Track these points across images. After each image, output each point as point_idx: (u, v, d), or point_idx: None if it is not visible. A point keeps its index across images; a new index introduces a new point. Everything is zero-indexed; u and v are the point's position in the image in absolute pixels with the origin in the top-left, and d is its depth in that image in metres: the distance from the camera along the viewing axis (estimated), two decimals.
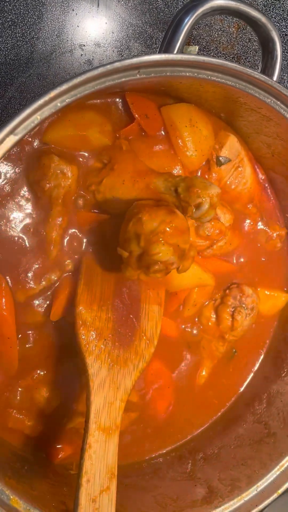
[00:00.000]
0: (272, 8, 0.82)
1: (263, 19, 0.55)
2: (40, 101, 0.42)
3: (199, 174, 0.68)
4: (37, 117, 0.44)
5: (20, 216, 0.57)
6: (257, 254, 0.76)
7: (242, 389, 0.78)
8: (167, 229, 0.52)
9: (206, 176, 0.69)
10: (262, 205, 0.76)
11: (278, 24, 0.83)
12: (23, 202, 0.57)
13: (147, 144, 0.63)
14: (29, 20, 0.71)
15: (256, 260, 0.76)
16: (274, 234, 0.76)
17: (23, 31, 0.71)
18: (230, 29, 0.81)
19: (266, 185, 0.76)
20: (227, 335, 0.72)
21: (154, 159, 0.63)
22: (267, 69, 0.57)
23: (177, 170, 0.64)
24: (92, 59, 0.75)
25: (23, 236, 0.58)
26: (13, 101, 0.72)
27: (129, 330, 0.61)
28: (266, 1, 0.82)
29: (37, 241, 0.58)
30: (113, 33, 0.76)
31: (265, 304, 0.76)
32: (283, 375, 0.76)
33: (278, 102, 0.56)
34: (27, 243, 0.58)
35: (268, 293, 0.76)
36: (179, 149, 0.64)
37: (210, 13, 0.54)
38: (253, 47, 0.82)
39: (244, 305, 0.71)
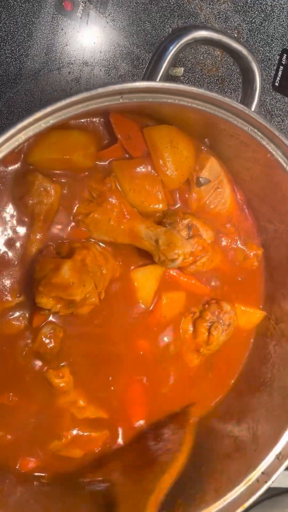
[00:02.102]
0: (257, 33, 0.85)
1: (244, 51, 0.57)
2: (25, 122, 0.44)
3: (177, 196, 0.71)
4: (21, 137, 0.45)
5: (3, 229, 0.59)
6: (234, 271, 0.78)
7: (214, 403, 0.80)
8: (48, 283, 0.56)
9: (186, 196, 0.71)
10: (240, 225, 0.78)
11: (262, 49, 0.86)
12: (7, 217, 0.59)
13: (130, 166, 0.65)
14: (19, 37, 0.72)
15: (234, 277, 0.78)
16: (251, 253, 0.78)
17: (13, 48, 0.72)
18: (215, 52, 0.84)
19: (244, 206, 0.78)
20: (202, 348, 0.74)
21: (136, 180, 0.65)
22: (247, 98, 0.60)
23: (159, 206, 0.66)
24: (80, 77, 0.77)
25: (6, 250, 0.59)
26: (0, 115, 0.73)
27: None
28: (251, 26, 0.85)
29: (19, 254, 0.59)
30: (100, 52, 0.77)
31: (241, 319, 0.78)
32: (255, 391, 0.77)
33: (255, 130, 0.58)
34: (9, 256, 0.59)
35: (243, 308, 0.78)
36: (159, 169, 0.66)
37: (193, 43, 0.56)
38: (237, 70, 0.84)
39: (221, 321, 0.74)
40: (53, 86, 0.76)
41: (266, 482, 0.65)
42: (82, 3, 0.75)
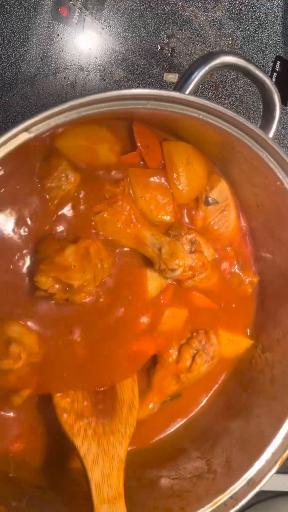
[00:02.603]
0: (251, 41, 0.87)
1: (268, 82, 0.61)
2: (58, 108, 0.46)
3: (185, 213, 0.73)
4: (52, 122, 0.47)
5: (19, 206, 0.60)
6: (229, 294, 0.79)
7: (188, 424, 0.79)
8: (51, 262, 0.57)
9: (193, 213, 0.73)
10: (240, 250, 0.80)
11: (256, 56, 0.88)
12: (24, 194, 0.60)
13: (145, 175, 0.67)
14: (15, 42, 0.74)
15: (228, 300, 0.79)
16: (247, 280, 0.80)
17: (9, 53, 0.74)
18: None
19: (247, 233, 0.80)
20: (182, 375, 0.74)
21: (148, 189, 0.67)
22: (265, 126, 0.63)
23: (167, 217, 0.68)
24: (75, 82, 0.78)
25: (17, 227, 0.61)
26: None
27: (108, 402, 0.65)
28: (245, 33, 0.87)
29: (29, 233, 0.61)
30: (96, 58, 0.79)
31: (227, 348, 0.79)
32: (233, 417, 0.77)
33: (269, 156, 0.61)
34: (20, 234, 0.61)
35: (232, 338, 0.79)
36: (172, 182, 0.68)
37: (221, 67, 0.60)
38: (231, 77, 0.87)
39: (206, 351, 0.74)
40: (49, 91, 0.77)
41: (234, 506, 0.64)
42: (78, 9, 0.77)
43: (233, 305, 0.80)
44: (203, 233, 0.74)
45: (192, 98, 0.52)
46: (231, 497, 0.65)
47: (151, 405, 0.74)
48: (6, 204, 0.59)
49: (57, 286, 0.58)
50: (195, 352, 0.74)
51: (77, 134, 0.62)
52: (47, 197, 0.61)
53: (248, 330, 0.82)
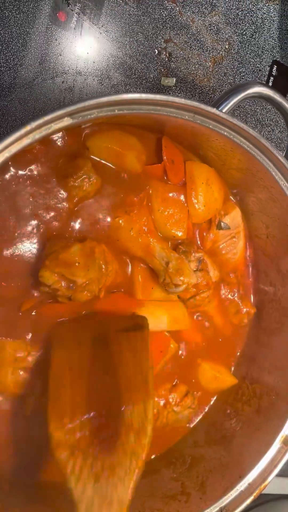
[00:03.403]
0: (248, 45, 0.88)
1: None
2: (104, 99, 0.49)
3: (197, 232, 0.75)
4: (95, 112, 0.50)
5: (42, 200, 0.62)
6: (224, 322, 0.80)
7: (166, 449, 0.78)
8: (56, 258, 0.58)
9: (204, 234, 0.75)
10: (242, 279, 0.82)
11: (253, 60, 0.89)
12: (46, 188, 0.62)
13: (165, 189, 0.70)
14: (13, 47, 0.74)
15: (221, 328, 0.80)
16: (244, 310, 0.81)
17: (7, 58, 0.74)
18: (207, 63, 0.87)
19: (250, 264, 0.82)
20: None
21: (166, 203, 0.69)
22: None
23: (179, 233, 0.70)
24: (73, 86, 0.79)
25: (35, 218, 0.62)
26: None
27: (111, 428, 0.53)
28: (242, 38, 0.88)
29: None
30: (94, 62, 0.80)
31: (210, 384, 0.79)
32: (213, 444, 0.76)
33: None
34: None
35: (217, 375, 0.79)
36: (190, 200, 0.70)
37: (255, 97, 0.63)
38: (228, 81, 0.89)
39: (176, 409, 0.74)
40: (47, 95, 0.78)
41: None
42: (76, 14, 0.77)
43: (220, 339, 0.80)
44: (211, 255, 0.76)
45: (229, 118, 0.55)
46: None
47: None
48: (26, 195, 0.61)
49: (62, 283, 0.58)
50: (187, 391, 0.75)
51: (109, 137, 0.64)
52: (66, 195, 0.63)
53: (232, 365, 0.82)
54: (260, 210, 0.73)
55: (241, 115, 0.90)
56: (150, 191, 0.69)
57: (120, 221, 0.67)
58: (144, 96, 0.49)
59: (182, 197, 0.71)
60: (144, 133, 0.68)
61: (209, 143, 0.64)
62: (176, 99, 0.51)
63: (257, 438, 0.72)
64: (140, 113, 0.53)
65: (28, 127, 0.47)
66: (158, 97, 0.50)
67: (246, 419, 0.76)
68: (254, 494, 0.66)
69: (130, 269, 0.69)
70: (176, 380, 0.75)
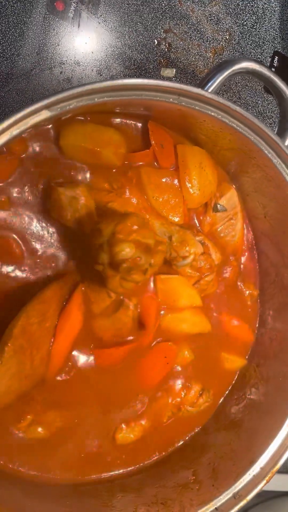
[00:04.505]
0: (248, 36, 0.87)
1: (287, 92, 0.62)
2: (82, 88, 0.46)
3: (194, 216, 0.73)
4: (74, 103, 0.48)
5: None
6: (228, 307, 0.79)
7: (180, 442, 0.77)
8: (123, 228, 0.55)
9: (201, 218, 0.73)
10: (244, 262, 0.80)
11: (254, 51, 0.87)
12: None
13: (157, 175, 0.68)
14: (11, 37, 0.73)
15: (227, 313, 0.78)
16: (247, 292, 0.79)
17: (4, 48, 0.73)
18: (207, 54, 0.85)
19: (253, 246, 0.80)
20: (183, 407, 0.73)
21: (160, 190, 0.67)
22: (281, 134, 0.63)
23: (176, 218, 0.68)
24: (72, 77, 0.78)
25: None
26: None
27: None
28: (242, 28, 0.86)
29: None
30: (92, 53, 0.78)
31: (225, 363, 0.78)
32: (222, 430, 0.76)
33: (283, 165, 0.61)
34: None
35: (227, 356, 0.78)
36: (184, 185, 0.68)
37: (243, 73, 0.61)
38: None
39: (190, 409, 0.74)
40: (45, 85, 0.76)
41: None
42: (73, 4, 0.75)
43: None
44: (209, 239, 0.74)
45: (216, 97, 0.53)
46: (216, 509, 0.63)
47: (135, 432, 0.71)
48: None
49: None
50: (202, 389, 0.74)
51: (83, 135, 0.62)
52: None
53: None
54: (256, 190, 0.71)
55: (242, 107, 0.87)
56: (141, 177, 0.67)
57: (114, 206, 0.65)
58: (120, 81, 0.47)
59: (175, 181, 0.69)
60: (122, 122, 0.66)
61: (198, 125, 0.62)
62: (159, 82, 0.49)
63: (266, 422, 0.71)
64: (122, 99, 0.51)
65: (4, 124, 0.45)
66: (138, 81, 0.48)
67: (254, 403, 0.75)
68: (267, 478, 0.66)
69: None
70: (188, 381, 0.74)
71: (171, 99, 0.53)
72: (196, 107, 0.55)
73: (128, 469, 0.72)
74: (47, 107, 0.47)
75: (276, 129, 0.64)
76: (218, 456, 0.72)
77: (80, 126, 0.62)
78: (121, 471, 0.71)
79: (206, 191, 0.70)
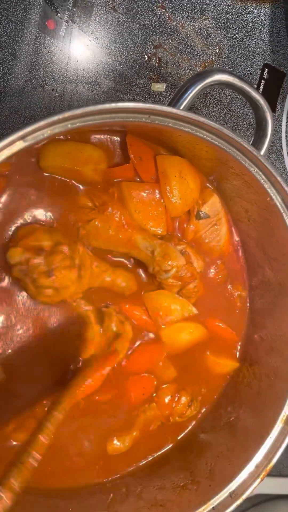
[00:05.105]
0: (238, 49, 0.87)
1: (262, 101, 0.62)
2: (54, 118, 0.48)
3: (177, 224, 0.74)
4: (48, 131, 0.49)
5: None
6: (217, 308, 0.80)
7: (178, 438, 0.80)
8: (13, 238, 0.60)
9: (185, 225, 0.74)
10: (231, 265, 0.81)
11: (243, 64, 0.88)
12: None
13: (138, 188, 0.69)
14: (2, 57, 0.75)
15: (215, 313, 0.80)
16: (236, 294, 0.81)
17: None
18: (197, 68, 0.86)
19: (239, 248, 0.82)
20: (172, 418, 0.76)
21: (142, 203, 0.69)
22: (258, 143, 0.64)
23: (159, 229, 0.70)
24: (63, 94, 0.79)
25: None
26: None
27: None
28: (232, 42, 0.87)
29: None
30: (84, 70, 0.80)
31: (216, 368, 0.80)
32: (219, 429, 0.78)
33: (260, 173, 0.62)
34: None
35: (218, 361, 0.80)
36: (165, 195, 0.69)
37: (215, 85, 0.62)
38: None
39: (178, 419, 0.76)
40: (37, 103, 0.78)
41: None
42: (65, 22, 0.77)
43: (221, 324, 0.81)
44: (195, 245, 0.75)
45: (187, 114, 0.54)
46: (213, 508, 0.65)
47: (126, 442, 0.74)
48: None
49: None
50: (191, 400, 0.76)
51: (62, 156, 0.63)
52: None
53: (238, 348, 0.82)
54: (238, 195, 0.72)
55: (232, 119, 0.88)
56: (123, 193, 0.68)
57: (96, 223, 0.66)
58: (92, 108, 0.48)
59: (157, 193, 0.70)
60: (100, 138, 0.67)
61: (174, 138, 0.63)
62: (128, 104, 0.50)
63: (260, 420, 0.73)
64: (95, 123, 0.52)
65: None
66: (107, 106, 0.49)
67: (248, 402, 0.77)
68: (261, 476, 0.68)
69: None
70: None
71: (143, 119, 0.54)
72: (170, 124, 0.56)
73: (125, 472, 0.75)
74: (21, 137, 0.48)
75: (252, 138, 0.65)
76: (215, 456, 0.74)
77: (59, 146, 0.63)
78: (117, 475, 0.73)
79: (188, 199, 0.71)
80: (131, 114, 0.53)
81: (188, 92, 0.60)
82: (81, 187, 0.66)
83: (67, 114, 0.48)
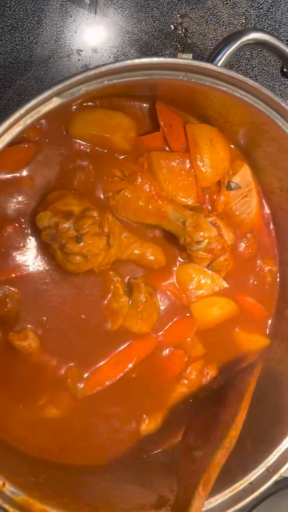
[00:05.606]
0: (264, 19, 0.85)
1: None
2: (91, 72, 0.46)
3: (207, 196, 0.72)
4: (83, 88, 0.47)
5: None
6: (246, 283, 0.78)
7: None
8: (43, 203, 0.59)
9: (215, 197, 0.72)
10: (261, 239, 0.79)
11: None
12: None
13: (168, 158, 0.67)
14: (28, 25, 0.74)
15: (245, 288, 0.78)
16: (266, 268, 0.79)
17: (22, 36, 0.74)
18: None
19: (269, 221, 0.79)
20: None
21: (172, 173, 0.67)
22: None
23: (189, 200, 0.68)
24: (89, 64, 0.78)
25: None
26: (11, 102, 0.74)
27: None
28: (258, 11, 0.85)
29: None
30: (109, 39, 0.78)
31: (246, 344, 0.78)
32: (252, 404, 0.76)
33: None
34: None
35: (248, 337, 0.78)
36: (196, 165, 0.68)
37: (251, 44, 0.59)
38: (246, 56, 0.86)
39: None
40: (63, 73, 0.77)
41: (252, 493, 0.63)
42: None
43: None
44: (225, 218, 0.73)
45: (226, 71, 0.52)
46: (250, 483, 0.64)
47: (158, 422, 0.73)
48: None
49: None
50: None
51: (91, 122, 0.62)
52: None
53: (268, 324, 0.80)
54: (271, 164, 0.70)
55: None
56: (152, 162, 0.66)
57: (126, 193, 0.65)
58: (130, 62, 0.46)
59: (187, 162, 0.68)
60: (130, 104, 0.65)
61: (208, 101, 0.61)
62: (166, 60, 0.49)
63: None
64: (132, 80, 0.50)
65: (17, 114, 0.45)
66: (146, 60, 0.47)
67: (282, 378, 0.75)
68: None
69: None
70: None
71: (180, 77, 0.52)
72: (206, 83, 0.54)
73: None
74: (57, 94, 0.46)
75: None
76: (248, 431, 0.72)
77: (88, 113, 0.62)
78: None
79: (219, 168, 0.69)
80: (168, 71, 0.51)
81: (224, 51, 0.58)
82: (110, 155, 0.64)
83: (103, 68, 0.46)
